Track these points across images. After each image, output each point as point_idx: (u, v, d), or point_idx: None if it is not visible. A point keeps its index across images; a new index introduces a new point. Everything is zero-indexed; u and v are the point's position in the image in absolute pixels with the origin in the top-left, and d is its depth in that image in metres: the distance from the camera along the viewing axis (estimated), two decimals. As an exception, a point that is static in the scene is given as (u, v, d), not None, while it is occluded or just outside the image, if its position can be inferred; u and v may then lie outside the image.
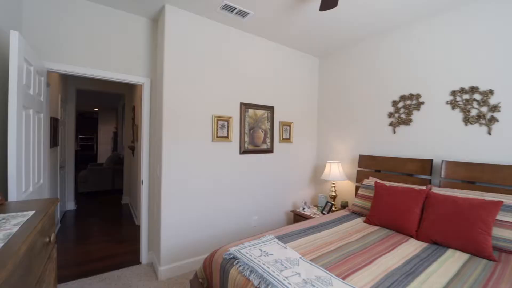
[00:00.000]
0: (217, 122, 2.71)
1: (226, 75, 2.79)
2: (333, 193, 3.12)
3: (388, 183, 2.44)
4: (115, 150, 10.20)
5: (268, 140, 3.15)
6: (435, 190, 2.15)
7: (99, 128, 10.90)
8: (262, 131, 3.10)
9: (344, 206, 3.07)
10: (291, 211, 3.20)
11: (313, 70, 3.67)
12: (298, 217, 3.09)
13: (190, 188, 2.57)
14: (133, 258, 2.86)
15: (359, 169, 3.05)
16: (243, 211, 2.97)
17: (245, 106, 2.93)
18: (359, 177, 3.00)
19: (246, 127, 2.95)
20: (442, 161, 2.30)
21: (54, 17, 2.21)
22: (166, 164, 2.43)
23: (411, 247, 1.76)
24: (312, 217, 2.87)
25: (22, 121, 1.56)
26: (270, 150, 3.17)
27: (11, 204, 1.09)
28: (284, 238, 1.83)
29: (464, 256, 1.64)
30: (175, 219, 2.48)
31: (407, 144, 2.67)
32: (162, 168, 2.41)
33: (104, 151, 10.68)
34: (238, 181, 2.91)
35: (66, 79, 4.46)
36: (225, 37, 2.77)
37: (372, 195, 2.50)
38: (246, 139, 2.95)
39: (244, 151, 2.93)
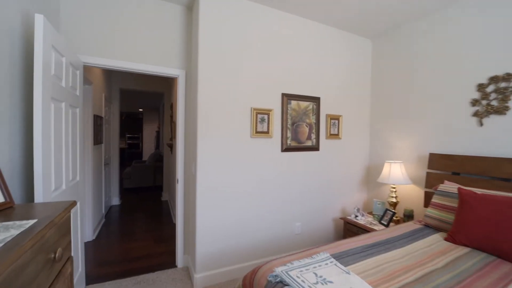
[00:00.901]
0: (256, 116, 2.41)
1: (265, 63, 2.47)
2: (393, 199, 2.59)
3: (478, 191, 1.86)
4: (157, 148, 10.70)
5: (313, 136, 2.75)
6: (558, 202, 1.54)
7: (144, 128, 11.59)
8: (306, 126, 2.71)
9: (408, 215, 2.52)
10: (341, 218, 2.76)
11: (364, 54, 3.15)
12: (349, 226, 2.63)
13: (227, 189, 2.32)
14: (169, 259, 2.73)
15: (429, 171, 2.47)
16: (285, 216, 2.62)
17: (287, 97, 2.57)
18: (430, 181, 2.43)
19: (289, 121, 2.59)
20: None
21: (87, 8, 2.14)
22: (202, 161, 2.21)
23: (534, 285, 1.23)
24: (371, 229, 2.39)
25: (51, 113, 1.45)
26: (315, 148, 2.77)
27: (19, 208, 0.93)
28: (343, 258, 1.44)
29: None
30: (211, 222, 2.25)
31: (502, 139, 2.04)
32: (197, 166, 2.20)
33: (148, 149, 11.31)
34: (279, 182, 2.58)
35: (110, 78, 4.62)
36: (265, 19, 2.46)
37: (453, 204, 1.94)
38: (289, 134, 2.60)
39: (286, 149, 2.58)
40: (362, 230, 2.48)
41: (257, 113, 2.41)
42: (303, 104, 2.68)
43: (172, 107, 4.54)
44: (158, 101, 8.35)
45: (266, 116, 2.45)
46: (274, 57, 2.51)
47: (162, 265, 2.61)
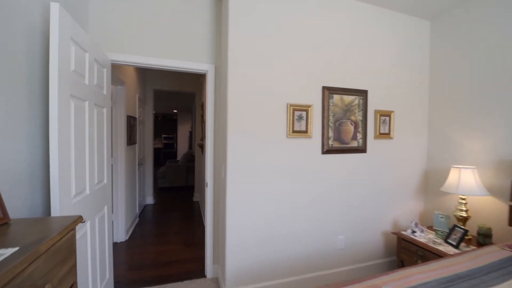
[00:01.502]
0: (293, 113, 2.11)
1: (303, 52, 2.16)
2: (463, 213, 2.09)
3: None
4: (190, 148, 10.93)
5: (359, 135, 2.37)
6: None
7: (178, 128, 11.95)
8: (351, 124, 2.33)
9: (484, 235, 2.00)
10: (393, 233, 2.33)
11: (421, 38, 2.65)
12: (406, 243, 2.20)
13: (259, 195, 2.06)
14: (198, 267, 2.57)
15: (516, 179, 1.94)
16: (326, 228, 2.28)
17: (328, 91, 2.23)
18: (518, 193, 1.90)
19: (330, 118, 2.25)
20: None
21: (116, 3, 2.05)
22: (232, 164, 1.98)
23: None
24: (435, 249, 1.93)
25: (70, 112, 1.33)
26: (362, 149, 2.38)
27: (15, 225, 0.78)
28: (414, 298, 1.09)
29: None
30: (242, 233, 2.02)
31: None
32: (227, 169, 1.98)
33: (182, 149, 11.62)
34: (319, 189, 2.25)
35: (144, 79, 4.68)
36: (301, 2, 2.15)
37: None
38: (330, 134, 2.25)
39: (327, 150, 2.24)
40: (422, 249, 2.04)
41: (294, 110, 2.11)
42: (348, 98, 2.31)
43: (202, 106, 4.44)
44: (191, 102, 8.46)
45: (304, 113, 2.15)
46: (313, 45, 2.19)
47: (191, 273, 2.46)
